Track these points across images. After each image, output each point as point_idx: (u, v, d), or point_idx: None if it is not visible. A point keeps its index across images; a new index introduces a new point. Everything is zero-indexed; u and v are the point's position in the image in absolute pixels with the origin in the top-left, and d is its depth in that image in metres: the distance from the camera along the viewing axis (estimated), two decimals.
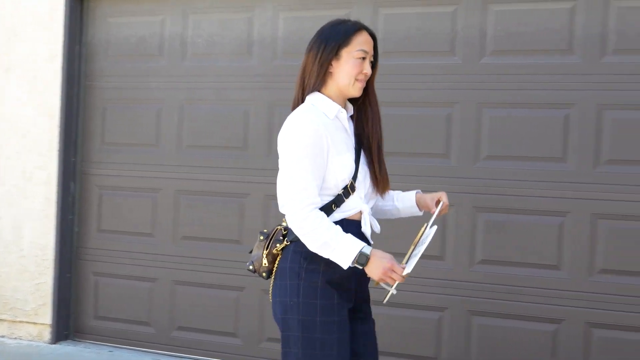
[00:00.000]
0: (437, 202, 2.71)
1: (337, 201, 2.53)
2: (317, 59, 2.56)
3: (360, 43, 2.55)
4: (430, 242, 2.48)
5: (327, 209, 2.50)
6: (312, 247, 2.44)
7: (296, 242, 2.52)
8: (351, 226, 2.52)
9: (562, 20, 3.73)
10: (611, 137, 3.65)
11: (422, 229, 2.58)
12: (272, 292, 2.60)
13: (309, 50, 2.59)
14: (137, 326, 4.61)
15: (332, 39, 2.55)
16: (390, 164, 2.80)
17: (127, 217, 4.64)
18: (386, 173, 2.67)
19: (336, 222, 2.50)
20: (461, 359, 3.89)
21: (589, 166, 3.68)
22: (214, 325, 4.41)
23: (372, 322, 2.70)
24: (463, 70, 3.91)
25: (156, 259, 4.55)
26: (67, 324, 4.77)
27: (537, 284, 3.75)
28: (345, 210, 2.54)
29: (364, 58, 2.56)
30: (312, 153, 2.47)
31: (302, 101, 2.60)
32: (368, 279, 2.59)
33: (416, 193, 2.76)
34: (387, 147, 2.77)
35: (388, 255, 2.45)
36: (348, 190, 2.54)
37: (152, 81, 4.58)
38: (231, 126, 4.38)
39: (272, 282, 2.59)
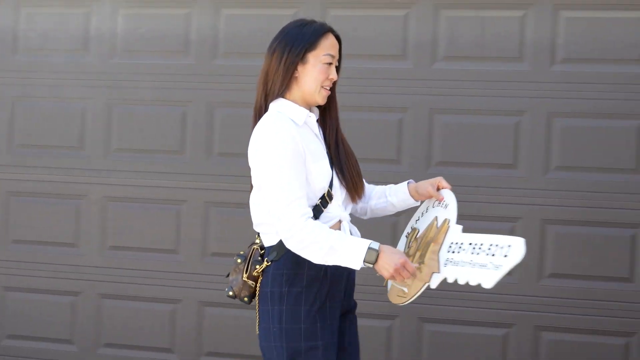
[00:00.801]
0: (438, 188, 2.54)
1: (316, 212, 2.38)
2: (282, 63, 2.39)
3: (328, 47, 2.41)
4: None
5: None
6: (317, 257, 2.28)
7: (276, 262, 2.36)
8: None
9: (513, 28, 3.78)
10: (561, 144, 3.73)
11: (439, 224, 2.41)
12: (258, 318, 2.42)
13: (272, 51, 2.42)
14: (58, 344, 4.24)
15: (299, 41, 2.39)
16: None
17: (45, 226, 4.25)
18: (359, 175, 2.55)
19: None
20: None
21: (539, 173, 3.75)
22: (147, 341, 4.13)
23: (355, 316, 2.60)
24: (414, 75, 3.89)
25: (79, 270, 4.19)
26: None
27: (487, 289, 3.76)
28: (325, 221, 2.39)
29: (330, 63, 2.42)
30: (294, 162, 2.32)
31: (266, 108, 2.43)
32: (354, 275, 2.49)
33: (408, 184, 2.62)
34: None
35: (399, 251, 2.34)
36: (326, 199, 2.41)
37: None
38: (167, 128, 4.13)
39: (256, 307, 2.42)
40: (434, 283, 2.31)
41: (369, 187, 2.67)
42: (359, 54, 3.87)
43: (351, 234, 2.46)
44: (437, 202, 2.51)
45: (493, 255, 2.20)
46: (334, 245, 2.26)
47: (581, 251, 3.71)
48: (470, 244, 2.28)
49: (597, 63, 3.72)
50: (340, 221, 2.45)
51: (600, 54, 3.72)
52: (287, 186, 2.28)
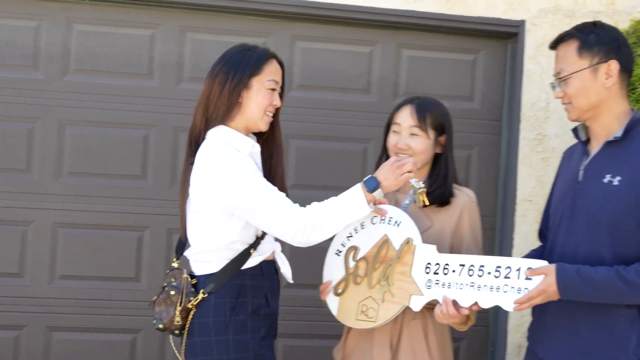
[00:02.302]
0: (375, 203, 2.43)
1: (255, 244, 2.39)
2: (226, 88, 2.34)
3: (272, 72, 2.41)
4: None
5: (245, 254, 2.37)
6: (330, 231, 2.30)
7: (216, 293, 2.34)
8: (269, 267, 2.46)
9: (143, 46, 3.94)
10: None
11: (400, 244, 2.38)
12: (187, 350, 2.37)
13: (214, 76, 2.38)
14: None
15: (243, 66, 2.36)
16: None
17: None
18: None
19: (255, 266, 2.39)
20: None
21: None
22: None
23: None
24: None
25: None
26: None
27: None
28: (263, 252, 2.42)
29: (274, 89, 2.42)
30: (258, 174, 2.32)
31: (205, 133, 2.37)
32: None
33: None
34: None
35: (383, 165, 2.39)
36: (262, 235, 2.41)
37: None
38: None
39: (185, 339, 2.37)
40: (417, 305, 2.34)
41: None
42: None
43: (282, 263, 2.51)
44: (377, 218, 2.45)
45: (508, 277, 2.22)
46: (335, 209, 2.29)
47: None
48: (462, 265, 2.28)
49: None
50: (274, 252, 2.49)
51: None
52: (268, 191, 2.28)
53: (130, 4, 3.93)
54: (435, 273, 2.31)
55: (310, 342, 4.01)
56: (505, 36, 4.21)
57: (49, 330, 3.91)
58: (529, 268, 2.21)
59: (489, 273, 2.25)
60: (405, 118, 2.52)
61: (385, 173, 2.33)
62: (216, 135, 2.35)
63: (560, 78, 2.30)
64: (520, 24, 4.13)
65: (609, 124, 2.27)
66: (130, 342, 3.95)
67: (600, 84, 2.24)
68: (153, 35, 3.98)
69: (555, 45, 2.36)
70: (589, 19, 4.10)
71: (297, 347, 4.01)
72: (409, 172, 2.34)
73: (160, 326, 2.37)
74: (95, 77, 3.94)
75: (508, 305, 2.22)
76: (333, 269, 2.52)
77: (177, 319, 2.34)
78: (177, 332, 2.38)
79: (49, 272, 3.90)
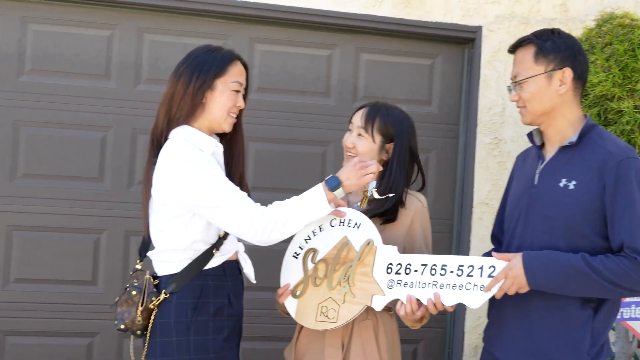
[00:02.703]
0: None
1: (217, 244, 2.40)
2: (190, 88, 2.34)
3: (236, 74, 2.42)
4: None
5: (208, 254, 2.37)
6: (291, 228, 2.32)
7: (178, 293, 2.34)
8: (232, 268, 2.47)
9: (100, 47, 3.91)
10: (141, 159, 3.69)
11: (361, 245, 2.40)
12: (148, 351, 2.36)
13: (178, 76, 2.37)
14: None
15: (207, 66, 2.36)
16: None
17: None
18: None
19: (218, 266, 2.40)
20: None
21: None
22: None
23: None
24: None
25: None
26: None
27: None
28: (225, 253, 2.43)
29: (238, 90, 2.43)
30: (220, 173, 2.33)
31: (167, 133, 2.38)
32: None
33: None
34: None
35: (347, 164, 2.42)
36: (224, 236, 2.41)
37: None
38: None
39: (147, 340, 2.36)
40: (379, 305, 2.36)
41: None
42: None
43: (245, 263, 2.52)
44: (336, 221, 2.47)
45: (471, 276, 2.26)
46: (295, 207, 2.31)
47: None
48: (425, 264, 2.31)
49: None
50: (237, 252, 2.50)
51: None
52: (230, 190, 2.29)
53: (87, 4, 3.90)
54: (397, 273, 2.34)
55: (268, 345, 4.02)
56: (463, 41, 4.28)
57: (3, 334, 3.84)
58: (492, 266, 2.24)
59: (452, 272, 2.28)
60: (357, 119, 2.58)
61: (348, 173, 2.35)
62: (179, 135, 2.35)
63: (516, 82, 2.35)
64: (477, 30, 4.20)
65: (563, 129, 2.33)
66: (87, 346, 3.91)
67: (554, 90, 2.30)
68: (111, 36, 3.95)
69: (513, 49, 2.41)
70: (544, 26, 4.20)
71: (255, 349, 4.00)
72: (373, 172, 2.37)
73: (122, 326, 2.36)
74: (52, 78, 3.89)
75: (472, 303, 2.25)
76: (290, 272, 2.53)
77: (139, 319, 2.33)
78: (138, 332, 2.37)
79: (3, 276, 3.84)
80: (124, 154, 3.94)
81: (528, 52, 2.34)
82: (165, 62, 3.91)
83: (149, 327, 2.35)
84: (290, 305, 2.50)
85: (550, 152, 2.37)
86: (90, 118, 3.91)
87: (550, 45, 2.32)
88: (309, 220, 2.34)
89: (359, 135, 2.55)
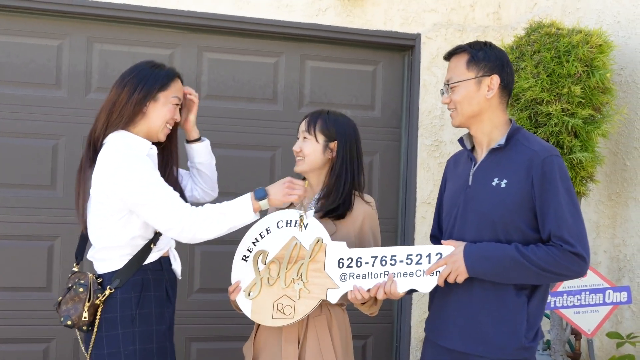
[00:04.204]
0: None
1: (154, 239, 2.56)
2: (134, 98, 2.52)
3: (176, 90, 2.63)
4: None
5: (146, 249, 2.53)
6: (215, 230, 2.44)
7: (121, 288, 2.49)
8: (167, 262, 2.63)
9: (50, 56, 3.99)
10: None
11: (311, 244, 2.52)
12: (95, 344, 2.49)
13: (123, 85, 2.54)
14: None
15: (152, 80, 2.56)
16: None
17: None
18: None
19: (155, 261, 2.56)
20: None
21: None
22: None
23: None
24: None
25: None
26: None
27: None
28: (161, 248, 2.60)
29: (177, 104, 2.64)
30: (155, 172, 2.47)
31: (104, 137, 2.53)
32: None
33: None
34: None
35: (280, 180, 2.55)
36: (157, 234, 2.56)
37: None
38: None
39: (94, 335, 2.49)
40: (334, 298, 2.50)
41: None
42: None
43: (175, 259, 2.69)
44: (282, 222, 2.59)
45: (420, 263, 2.42)
46: (223, 211, 2.46)
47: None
48: (375, 256, 2.46)
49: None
50: (169, 249, 2.66)
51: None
52: (163, 189, 2.44)
53: (36, 14, 3.96)
54: (349, 267, 2.48)
55: (222, 345, 4.13)
56: (403, 48, 4.46)
57: None
58: (438, 253, 2.41)
59: (401, 261, 2.45)
60: (302, 125, 2.74)
61: (276, 188, 2.51)
62: (116, 138, 2.50)
63: (448, 85, 2.54)
64: (416, 37, 4.39)
65: (490, 132, 2.52)
66: (43, 352, 3.96)
67: (482, 94, 2.49)
68: (60, 46, 4.01)
69: (448, 57, 2.60)
70: (479, 32, 4.43)
71: (209, 350, 4.12)
72: (298, 195, 2.51)
73: (69, 322, 2.47)
74: (2, 87, 3.94)
75: (423, 288, 2.41)
76: (241, 274, 2.62)
77: (85, 316, 2.45)
78: (85, 328, 2.48)
79: None
80: (76, 161, 3.93)
81: (461, 59, 2.53)
82: (115, 71, 3.98)
83: (96, 322, 2.47)
84: (245, 305, 2.59)
85: (480, 154, 2.55)
86: (42, 127, 3.97)
87: (482, 55, 2.51)
88: (234, 225, 2.47)
89: (305, 138, 2.69)
